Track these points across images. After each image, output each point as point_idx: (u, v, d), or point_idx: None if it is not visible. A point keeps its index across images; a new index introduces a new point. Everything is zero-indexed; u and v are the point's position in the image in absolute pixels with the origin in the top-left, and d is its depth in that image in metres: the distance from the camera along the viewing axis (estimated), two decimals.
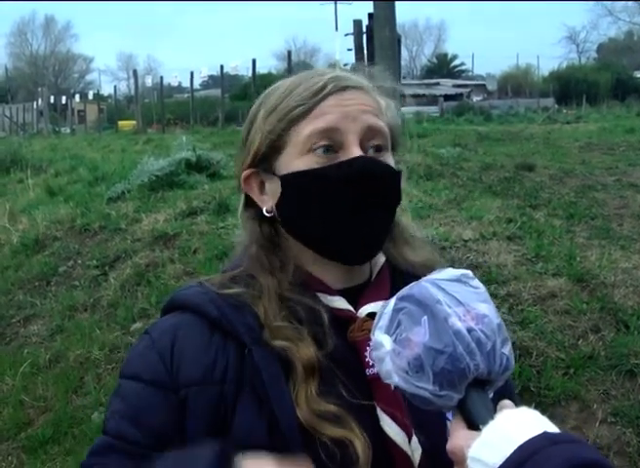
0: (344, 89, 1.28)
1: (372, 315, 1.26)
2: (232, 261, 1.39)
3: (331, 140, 1.25)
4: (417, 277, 1.33)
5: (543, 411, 0.97)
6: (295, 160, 1.27)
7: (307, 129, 1.25)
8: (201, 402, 1.17)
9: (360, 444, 1.15)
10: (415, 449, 1.21)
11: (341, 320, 1.27)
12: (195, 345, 1.22)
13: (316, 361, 1.19)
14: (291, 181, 1.27)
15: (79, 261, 7.63)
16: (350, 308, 1.29)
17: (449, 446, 1.02)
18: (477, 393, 1.02)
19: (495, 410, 0.99)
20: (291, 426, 1.15)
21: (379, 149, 1.29)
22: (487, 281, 5.35)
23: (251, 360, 1.20)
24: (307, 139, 1.25)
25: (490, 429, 0.95)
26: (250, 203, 1.37)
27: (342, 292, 1.31)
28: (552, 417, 0.96)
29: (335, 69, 1.36)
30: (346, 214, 1.25)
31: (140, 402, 1.20)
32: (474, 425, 0.99)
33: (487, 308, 1.04)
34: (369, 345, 1.22)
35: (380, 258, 1.38)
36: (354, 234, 1.26)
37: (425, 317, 1.02)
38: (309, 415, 1.16)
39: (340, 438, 1.15)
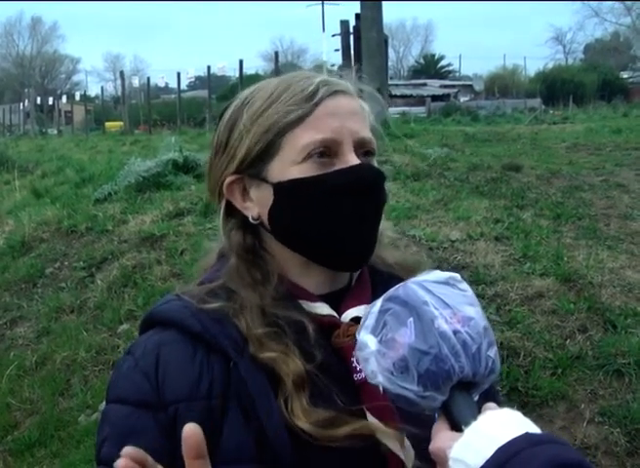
0: (335, 93, 1.27)
1: (356, 319, 1.25)
2: (208, 272, 1.36)
3: (327, 148, 1.23)
4: (394, 276, 1.32)
5: (531, 412, 0.97)
6: (290, 167, 1.24)
7: (305, 138, 1.23)
8: (190, 417, 1.11)
9: (379, 429, 1.16)
10: (407, 453, 1.20)
11: (325, 326, 1.25)
12: (179, 361, 1.20)
13: (305, 374, 1.17)
14: (288, 189, 1.24)
15: (66, 263, 7.61)
16: (333, 314, 1.27)
17: (431, 447, 1.02)
18: (461, 395, 1.02)
19: (479, 413, 0.99)
20: (280, 438, 1.13)
21: (368, 154, 1.28)
22: (474, 281, 5.36)
23: (236, 373, 1.18)
24: (305, 148, 1.23)
25: (472, 430, 0.96)
26: (230, 210, 1.34)
27: (324, 298, 1.29)
28: (540, 417, 0.97)
29: (318, 72, 1.34)
30: (347, 220, 1.24)
31: (129, 425, 1.17)
32: (457, 427, 0.99)
33: (474, 311, 1.04)
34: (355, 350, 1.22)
35: None
36: (354, 240, 1.25)
37: (411, 318, 1.02)
38: (312, 427, 1.14)
39: (356, 433, 1.14)
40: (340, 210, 1.24)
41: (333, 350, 1.24)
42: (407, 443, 1.20)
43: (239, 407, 1.17)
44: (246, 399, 1.16)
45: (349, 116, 1.26)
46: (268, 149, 1.26)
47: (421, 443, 1.17)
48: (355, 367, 1.22)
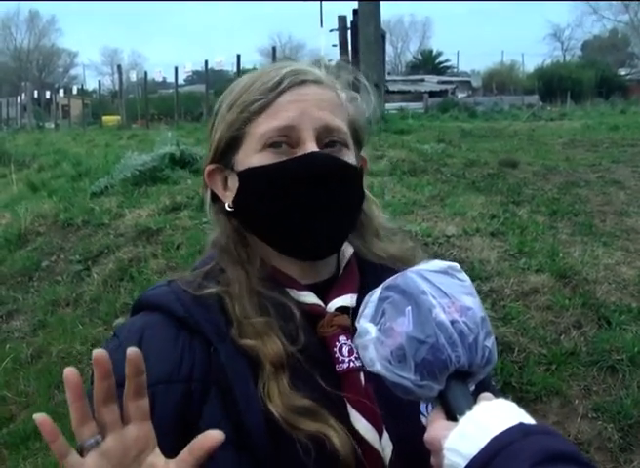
0: (302, 83, 1.27)
1: (341, 309, 1.26)
2: (200, 259, 1.39)
3: (287, 137, 1.25)
4: (387, 268, 1.32)
5: (525, 407, 0.97)
6: (251, 156, 1.27)
7: (264, 125, 1.25)
8: (168, 400, 1.15)
9: (337, 437, 1.14)
10: (385, 446, 1.20)
11: (310, 315, 1.26)
12: (161, 344, 1.21)
13: (284, 356, 1.18)
14: (247, 177, 1.27)
15: (62, 256, 7.60)
16: (320, 303, 1.28)
17: (426, 436, 1.02)
18: (458, 385, 1.02)
19: (474, 403, 1.00)
20: (257, 424, 1.14)
21: (332, 145, 1.28)
22: (470, 277, 5.33)
23: (217, 358, 1.19)
24: (263, 136, 1.25)
25: (466, 420, 0.96)
26: (215, 198, 1.37)
27: (311, 287, 1.30)
28: (534, 413, 0.97)
29: (293, 62, 1.35)
30: (299, 210, 1.24)
31: None
32: (453, 416, 1.00)
33: (472, 301, 1.05)
34: (338, 341, 1.23)
35: (348, 251, 1.37)
36: (307, 231, 1.25)
37: (409, 307, 1.03)
38: (285, 411, 1.14)
39: (315, 433, 1.14)
40: (292, 199, 1.24)
41: (317, 339, 1.25)
42: (385, 436, 1.20)
43: (219, 391, 1.18)
44: (225, 384, 1.17)
45: (314, 104, 1.26)
46: (235, 139, 1.29)
47: (403, 437, 1.18)
48: (337, 357, 1.23)
